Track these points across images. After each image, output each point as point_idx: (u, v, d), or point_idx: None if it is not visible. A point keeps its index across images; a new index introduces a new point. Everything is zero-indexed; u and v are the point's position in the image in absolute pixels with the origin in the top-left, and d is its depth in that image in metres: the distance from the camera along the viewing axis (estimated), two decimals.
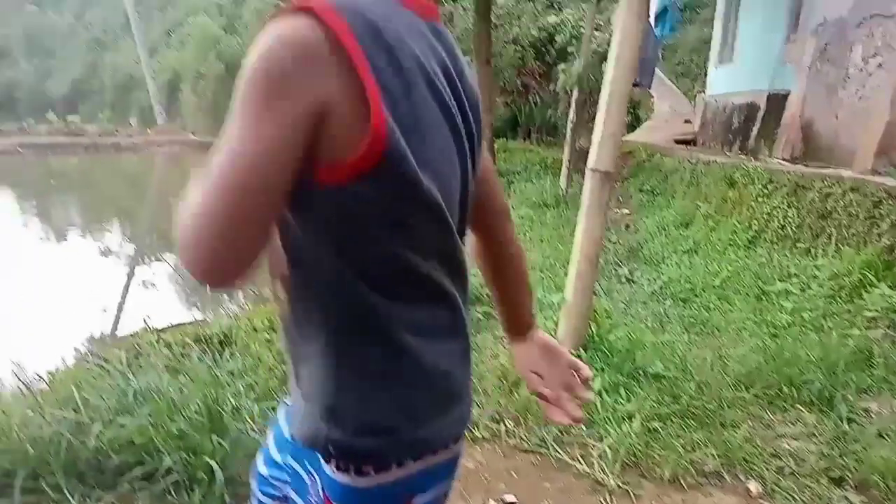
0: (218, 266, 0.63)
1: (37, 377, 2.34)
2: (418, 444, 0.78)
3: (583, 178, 8.84)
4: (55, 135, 20.72)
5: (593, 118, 10.46)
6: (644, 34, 2.71)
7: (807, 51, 7.01)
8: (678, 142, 11.58)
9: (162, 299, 6.74)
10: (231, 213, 0.62)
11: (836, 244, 3.86)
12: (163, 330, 2.71)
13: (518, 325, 1.06)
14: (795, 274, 3.89)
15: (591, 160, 2.49)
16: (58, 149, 19.62)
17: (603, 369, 2.56)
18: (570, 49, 14.03)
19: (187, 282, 7.57)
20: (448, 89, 0.74)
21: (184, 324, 2.91)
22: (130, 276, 7.77)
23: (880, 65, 5.62)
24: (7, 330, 4.87)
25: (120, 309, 6.26)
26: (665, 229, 6.37)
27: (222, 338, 2.67)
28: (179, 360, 2.34)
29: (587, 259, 2.56)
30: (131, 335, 2.71)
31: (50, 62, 31.74)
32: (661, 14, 5.97)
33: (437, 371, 0.79)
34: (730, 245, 5.05)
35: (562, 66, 13.83)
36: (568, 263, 5.35)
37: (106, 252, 8.88)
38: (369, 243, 0.70)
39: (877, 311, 3.10)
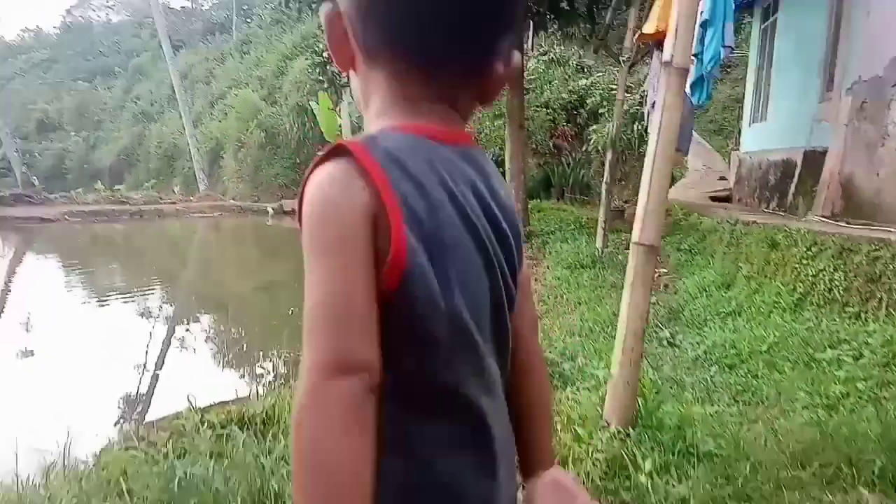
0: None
1: (84, 460, 2.36)
2: None
3: (618, 237, 8.78)
4: (101, 203, 21.42)
5: (626, 176, 10.54)
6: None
7: (842, 109, 6.97)
8: (713, 199, 11.51)
9: (200, 361, 6.83)
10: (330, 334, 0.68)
11: (888, 309, 3.75)
12: (206, 409, 2.72)
13: (534, 461, 0.94)
14: (846, 340, 3.77)
15: (636, 234, 2.48)
16: (103, 216, 20.27)
17: (653, 448, 2.49)
18: (600, 111, 14.20)
19: (223, 342, 7.69)
20: (479, 211, 0.77)
21: (227, 402, 2.92)
22: (170, 337, 7.89)
23: None
24: (51, 399, 4.98)
25: (157, 372, 6.35)
26: (706, 290, 6.26)
27: (265, 417, 2.67)
28: (223, 444, 2.34)
29: (633, 333, 2.53)
30: (175, 416, 2.72)
31: (98, 134, 33.10)
32: (697, 82, 6.02)
33: (444, 483, 0.76)
34: (774, 308, 4.93)
35: (593, 126, 13.98)
36: (607, 326, 5.34)
37: (146, 314, 9.05)
38: (391, 357, 0.70)
39: None
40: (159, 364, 6.69)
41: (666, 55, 2.50)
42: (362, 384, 0.66)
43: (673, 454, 2.51)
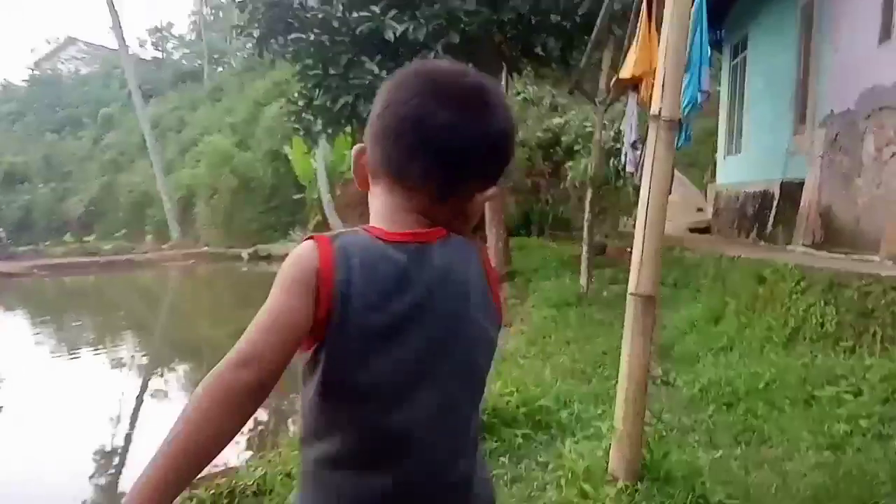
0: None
1: None
2: None
3: (602, 273, 8.75)
4: (71, 255, 21.08)
5: (604, 211, 10.57)
6: None
7: (816, 141, 7.10)
8: (692, 230, 11.62)
9: (175, 412, 6.61)
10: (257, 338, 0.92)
11: (883, 343, 3.73)
12: (194, 485, 2.57)
13: None
14: (843, 376, 3.73)
15: (632, 284, 2.43)
16: (73, 268, 19.90)
17: (663, 502, 2.40)
18: (576, 147, 14.36)
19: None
20: (420, 304, 0.97)
21: (215, 474, 2.77)
22: (144, 389, 7.66)
23: (894, 154, 5.66)
24: (21, 457, 4.75)
25: (133, 427, 6.13)
26: (695, 325, 6.21)
27: (256, 489, 2.53)
28: None
29: (636, 384, 2.45)
30: None
31: (67, 185, 32.70)
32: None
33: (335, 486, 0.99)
34: (767, 343, 4.89)
35: (569, 163, 14.11)
36: (599, 367, 5.27)
37: (118, 365, 8.80)
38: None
39: None
40: (134, 417, 6.47)
41: (654, 108, 2.49)
42: (256, 378, 0.87)
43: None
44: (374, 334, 0.93)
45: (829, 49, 7.00)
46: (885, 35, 5.89)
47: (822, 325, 4.38)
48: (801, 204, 7.14)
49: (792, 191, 7.64)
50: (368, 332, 0.93)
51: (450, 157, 0.99)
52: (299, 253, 0.96)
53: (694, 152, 14.15)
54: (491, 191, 1.05)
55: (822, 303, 4.42)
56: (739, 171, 10.24)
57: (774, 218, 8.23)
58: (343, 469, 0.97)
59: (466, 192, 1.04)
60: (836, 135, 6.68)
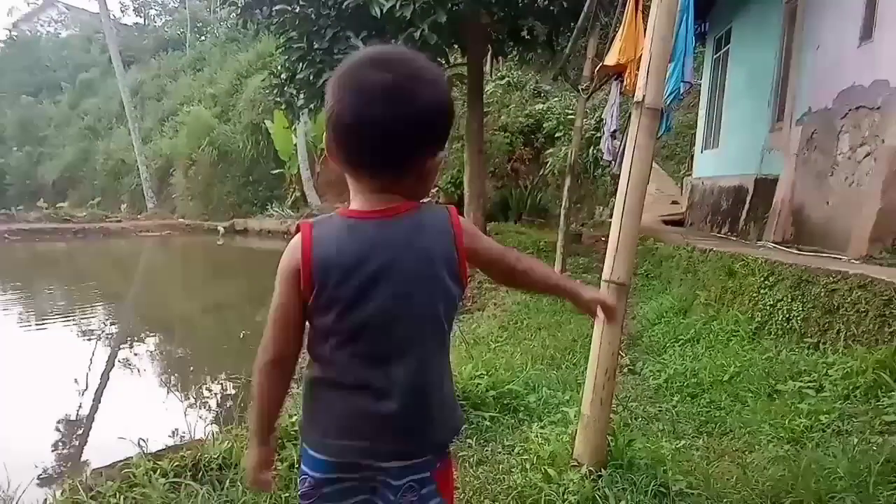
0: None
1: None
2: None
3: (576, 260, 8.82)
4: (44, 221, 20.69)
5: (581, 199, 10.64)
6: None
7: (793, 139, 7.18)
8: (666, 222, 11.71)
9: (146, 387, 6.58)
10: (270, 335, 1.33)
11: (846, 341, 3.81)
12: (159, 455, 2.56)
13: (573, 288, 1.54)
14: (806, 370, 3.81)
15: (606, 271, 2.45)
16: (46, 235, 19.56)
17: (626, 489, 2.44)
18: (556, 135, 14.37)
19: (169, 366, 7.44)
20: (385, 259, 1.23)
21: (180, 445, 2.76)
22: (112, 362, 7.59)
23: (868, 154, 5.74)
24: None
25: (99, 399, 6.08)
26: (664, 316, 6.29)
27: (222, 463, 2.53)
28: (178, 495, 2.20)
29: (605, 372, 2.48)
30: (124, 463, 2.56)
31: (42, 150, 32.05)
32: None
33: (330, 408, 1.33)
34: (733, 336, 4.97)
35: (550, 150, 14.13)
36: (569, 353, 5.32)
37: (88, 336, 8.70)
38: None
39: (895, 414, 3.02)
40: (100, 390, 6.42)
41: (638, 95, 2.49)
42: (272, 358, 1.32)
43: (646, 495, 2.46)
44: (350, 293, 1.22)
45: (811, 47, 7.05)
46: (865, 35, 5.94)
47: (788, 320, 4.46)
48: (774, 200, 7.23)
49: (766, 187, 7.73)
50: (345, 292, 1.22)
51: (376, 142, 1.19)
52: (289, 247, 1.27)
53: (672, 145, 14.26)
54: (440, 155, 1.26)
55: (790, 298, 4.49)
56: (716, 165, 10.33)
57: (747, 213, 8.32)
58: (335, 390, 1.30)
59: (412, 166, 1.24)
60: (813, 133, 6.75)
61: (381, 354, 1.26)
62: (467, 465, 2.94)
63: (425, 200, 1.31)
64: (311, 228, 1.25)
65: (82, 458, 4.74)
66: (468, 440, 3.18)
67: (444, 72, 9.65)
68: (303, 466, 1.37)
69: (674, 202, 13.43)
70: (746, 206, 8.40)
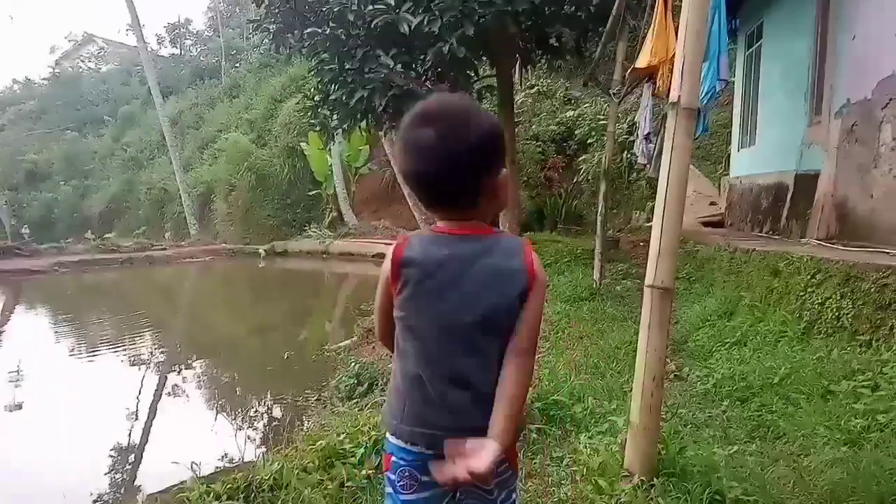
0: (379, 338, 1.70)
1: None
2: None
3: (614, 267, 8.73)
4: (91, 252, 21.27)
5: (617, 205, 10.57)
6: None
7: (832, 132, 7.01)
8: (706, 224, 11.53)
9: (194, 410, 6.70)
10: (376, 321, 1.66)
11: None
12: (211, 477, 2.61)
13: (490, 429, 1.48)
14: (860, 370, 3.70)
15: (650, 276, 2.43)
16: (93, 265, 20.10)
17: (679, 498, 2.40)
18: (589, 141, 14.28)
19: (217, 389, 7.56)
20: (454, 271, 1.46)
21: (231, 468, 2.80)
22: (162, 387, 7.75)
23: None
24: (41, 456, 4.83)
25: (150, 423, 6.21)
26: (708, 320, 6.19)
27: (272, 483, 2.56)
28: None
29: (652, 378, 2.45)
30: (180, 488, 2.61)
31: (87, 183, 33.04)
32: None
33: (402, 396, 1.57)
34: (781, 337, 4.86)
35: (583, 157, 14.05)
36: (612, 361, 5.26)
37: (137, 362, 8.90)
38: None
39: None
40: (151, 417, 6.55)
41: (673, 95, 2.47)
42: (380, 338, 1.68)
43: (700, 502, 2.42)
44: (424, 292, 1.46)
45: (847, 37, 6.90)
46: None
47: (838, 318, 4.35)
48: (816, 196, 7.06)
49: (806, 183, 7.56)
50: (421, 289, 1.46)
51: (433, 192, 1.48)
52: (389, 250, 1.51)
53: (707, 145, 14.05)
54: (502, 174, 1.48)
55: (838, 296, 4.38)
56: (753, 163, 10.14)
57: (788, 211, 8.15)
58: (406, 368, 1.53)
59: (475, 197, 1.47)
60: (853, 125, 6.59)
61: (438, 352, 1.47)
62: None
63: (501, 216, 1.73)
64: (408, 237, 1.52)
65: (137, 484, 4.84)
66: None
67: (474, 85, 9.70)
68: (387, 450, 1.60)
69: (712, 203, 13.22)
70: (787, 203, 8.22)
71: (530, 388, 3.80)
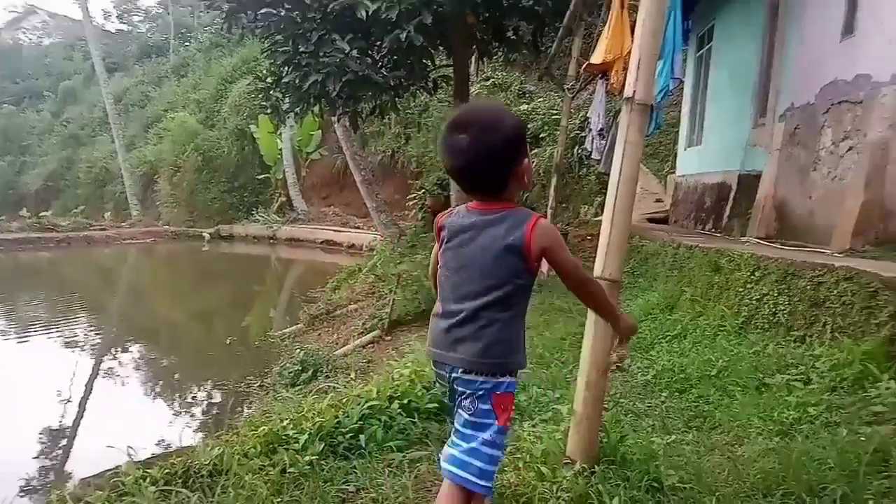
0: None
1: None
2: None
3: None
4: (27, 230, 20.50)
5: (567, 199, 10.66)
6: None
7: (776, 134, 7.23)
8: (651, 220, 11.76)
9: (132, 395, 6.52)
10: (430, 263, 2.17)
11: (832, 333, 3.83)
12: (148, 462, 2.53)
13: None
14: (793, 363, 3.83)
15: (598, 268, 2.46)
16: (29, 244, 19.38)
17: (619, 485, 2.44)
18: (542, 135, 14.40)
19: (155, 374, 7.36)
20: (474, 231, 1.92)
21: (169, 453, 2.73)
22: (97, 370, 7.52)
23: (850, 148, 5.78)
24: None
25: (84, 408, 6.02)
26: (651, 313, 6.32)
27: (212, 468, 2.50)
28: (167, 501, 2.17)
29: (597, 368, 2.48)
30: (114, 472, 2.53)
31: (24, 159, 31.78)
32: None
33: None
34: (720, 331, 4.99)
35: (535, 151, 14.15)
36: (556, 352, 5.33)
37: (72, 345, 8.62)
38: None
39: (883, 405, 3.03)
40: (85, 401, 6.36)
41: (628, 91, 2.49)
42: (430, 278, 2.16)
43: (638, 489, 2.46)
44: (452, 246, 1.95)
45: (794, 42, 7.10)
46: (847, 30, 5.99)
47: (775, 314, 4.49)
48: (758, 196, 7.27)
49: (749, 183, 7.77)
50: (451, 244, 1.95)
51: (465, 184, 1.94)
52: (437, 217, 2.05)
53: (655, 143, 14.33)
54: (523, 164, 1.90)
55: (776, 292, 4.52)
56: (699, 162, 10.38)
57: (731, 210, 8.37)
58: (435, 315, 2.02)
59: (500, 184, 1.89)
60: (796, 128, 6.80)
61: (455, 292, 1.93)
62: None
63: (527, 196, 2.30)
64: (452, 209, 2.02)
65: (70, 469, 4.69)
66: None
67: (430, 74, 9.65)
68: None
69: (658, 200, 13.49)
70: (730, 202, 8.45)
71: None
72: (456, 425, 1.94)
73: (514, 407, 2.02)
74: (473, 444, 1.86)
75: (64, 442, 5.36)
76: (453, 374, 1.90)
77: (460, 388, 1.90)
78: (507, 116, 1.88)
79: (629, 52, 6.10)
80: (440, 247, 2.00)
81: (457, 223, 1.94)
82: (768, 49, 7.94)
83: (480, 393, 1.86)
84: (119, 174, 25.69)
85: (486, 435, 1.86)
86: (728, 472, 2.74)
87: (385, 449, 3.05)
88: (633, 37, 2.81)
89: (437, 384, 2.05)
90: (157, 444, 4.79)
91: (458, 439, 1.90)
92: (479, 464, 1.84)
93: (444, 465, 1.91)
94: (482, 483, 1.85)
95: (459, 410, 1.92)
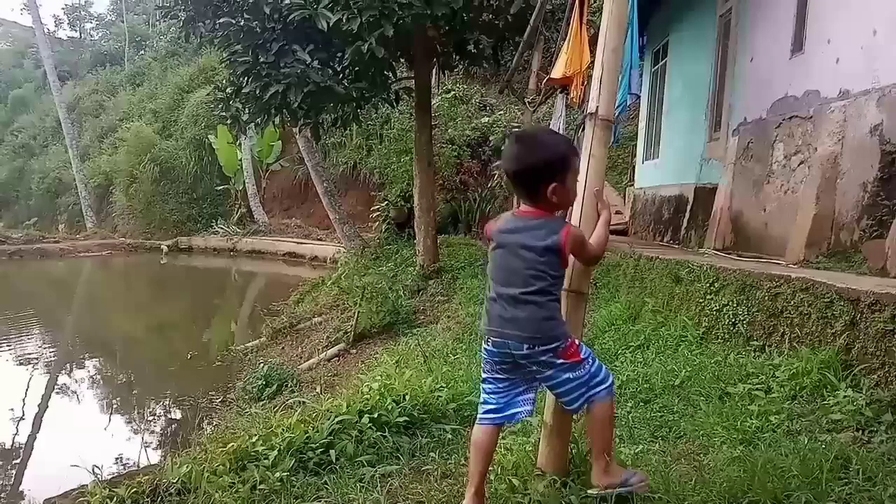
0: None
1: None
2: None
3: None
4: None
5: None
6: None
7: (730, 148, 7.44)
8: (611, 232, 11.95)
9: (87, 412, 6.35)
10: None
11: (790, 343, 3.94)
12: (115, 483, 2.48)
13: None
14: (754, 373, 3.92)
15: (566, 281, 2.49)
16: None
17: (589, 497, 2.47)
18: (502, 147, 14.52)
19: (112, 390, 7.18)
20: (514, 235, 2.37)
21: (136, 472, 2.67)
22: (51, 387, 7.31)
23: (802, 162, 5.99)
24: None
25: (38, 426, 5.85)
26: (614, 324, 6.40)
27: (181, 486, 2.46)
28: None
29: None
30: (80, 491, 2.47)
31: None
32: None
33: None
34: (682, 341, 5.09)
35: (497, 163, 14.27)
36: None
37: (24, 363, 8.36)
38: None
39: (842, 413, 3.13)
40: (39, 416, 6.17)
41: (591, 107, 2.55)
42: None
43: (607, 500, 2.50)
44: (497, 245, 2.38)
45: (745, 59, 7.33)
46: (797, 47, 6.20)
47: (734, 324, 4.60)
48: (714, 209, 7.46)
49: (705, 196, 7.97)
50: (497, 245, 2.38)
51: (513, 185, 2.44)
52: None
53: (614, 156, 14.58)
54: (555, 185, 2.29)
55: (735, 303, 4.63)
56: (656, 175, 10.60)
57: (688, 222, 8.57)
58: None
59: (538, 192, 2.31)
60: (749, 142, 7.01)
61: (500, 281, 2.36)
62: (431, 478, 2.94)
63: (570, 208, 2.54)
64: (502, 216, 2.46)
65: (20, 488, 4.55)
66: (431, 454, 3.19)
67: (392, 86, 9.68)
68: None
69: (617, 212, 13.71)
70: (687, 214, 8.65)
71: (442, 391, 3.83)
72: (549, 392, 2.52)
73: (578, 346, 2.40)
74: (581, 378, 2.37)
75: (17, 461, 5.19)
76: (516, 352, 2.31)
77: (528, 365, 2.34)
78: (555, 143, 2.41)
79: (588, 67, 6.21)
80: (491, 248, 2.42)
81: (504, 227, 2.38)
82: (721, 65, 8.18)
83: (545, 359, 2.31)
84: (73, 185, 25.06)
85: (577, 371, 2.36)
86: (695, 480, 2.79)
87: (356, 464, 3.03)
88: (591, 52, 2.87)
89: (488, 363, 2.43)
90: (116, 463, 4.67)
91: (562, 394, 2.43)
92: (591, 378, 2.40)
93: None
94: (607, 384, 2.46)
95: (538, 379, 2.43)
